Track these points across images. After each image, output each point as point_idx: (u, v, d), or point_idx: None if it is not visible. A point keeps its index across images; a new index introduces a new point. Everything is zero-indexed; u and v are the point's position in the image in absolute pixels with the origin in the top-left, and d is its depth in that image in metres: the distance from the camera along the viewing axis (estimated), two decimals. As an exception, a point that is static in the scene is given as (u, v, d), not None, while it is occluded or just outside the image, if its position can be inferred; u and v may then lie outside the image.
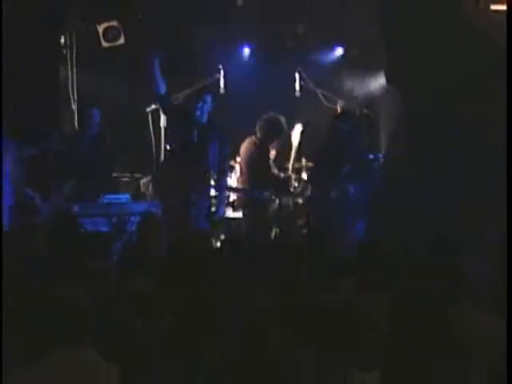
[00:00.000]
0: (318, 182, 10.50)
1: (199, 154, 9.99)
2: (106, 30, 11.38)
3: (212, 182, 10.22)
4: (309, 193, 10.86)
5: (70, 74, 11.61)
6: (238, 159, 11.33)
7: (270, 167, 11.00)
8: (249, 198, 10.83)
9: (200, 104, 10.03)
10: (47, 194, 10.12)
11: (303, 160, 11.45)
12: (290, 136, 11.10)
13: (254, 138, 10.91)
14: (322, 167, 10.39)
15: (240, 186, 11.09)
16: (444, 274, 5.45)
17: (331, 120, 10.46)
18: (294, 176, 11.20)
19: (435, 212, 9.42)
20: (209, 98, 10.15)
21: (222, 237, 10.16)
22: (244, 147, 11.02)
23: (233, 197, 11.08)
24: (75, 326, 4.52)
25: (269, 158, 10.99)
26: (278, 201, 10.77)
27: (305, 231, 10.44)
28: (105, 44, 11.46)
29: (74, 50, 11.55)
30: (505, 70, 8.58)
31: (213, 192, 10.33)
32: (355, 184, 10.23)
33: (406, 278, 5.70)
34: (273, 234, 10.61)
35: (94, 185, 10.49)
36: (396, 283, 5.46)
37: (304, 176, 11.38)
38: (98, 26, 11.42)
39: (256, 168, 10.91)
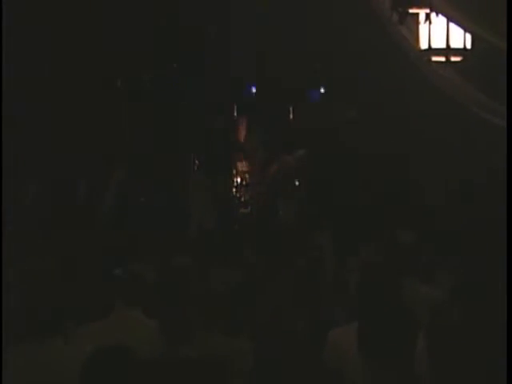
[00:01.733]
0: None
1: (220, 165, 10.07)
2: (150, 77, 11.48)
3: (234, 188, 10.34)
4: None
5: (122, 106, 11.67)
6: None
7: None
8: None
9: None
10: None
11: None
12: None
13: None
14: None
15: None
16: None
17: None
18: None
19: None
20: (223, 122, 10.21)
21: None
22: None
23: (243, 198, 11.09)
24: (129, 293, 4.56)
25: None
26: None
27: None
28: (149, 87, 11.57)
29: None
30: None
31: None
32: None
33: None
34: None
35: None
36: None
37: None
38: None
39: None
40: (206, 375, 3.44)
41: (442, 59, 7.27)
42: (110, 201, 10.11)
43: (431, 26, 7.08)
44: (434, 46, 7.14)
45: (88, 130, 10.51)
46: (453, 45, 7.09)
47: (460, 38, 7.06)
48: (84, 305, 4.96)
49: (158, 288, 5.08)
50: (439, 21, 7.01)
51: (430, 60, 7.32)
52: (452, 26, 6.89)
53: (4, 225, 6.82)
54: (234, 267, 5.81)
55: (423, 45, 7.23)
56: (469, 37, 7.00)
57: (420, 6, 7.01)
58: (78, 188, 10.60)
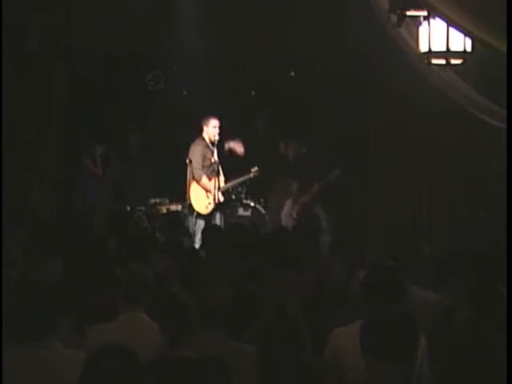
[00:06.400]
0: None
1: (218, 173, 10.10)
2: (151, 78, 11.46)
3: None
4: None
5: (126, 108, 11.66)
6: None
7: None
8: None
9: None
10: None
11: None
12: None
13: None
14: None
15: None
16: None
17: None
18: None
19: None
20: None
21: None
22: None
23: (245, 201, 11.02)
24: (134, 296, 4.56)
25: None
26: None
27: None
28: (150, 88, 11.54)
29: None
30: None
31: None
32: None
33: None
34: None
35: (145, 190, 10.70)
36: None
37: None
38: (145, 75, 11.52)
39: None
40: (206, 375, 3.43)
41: (442, 62, 7.27)
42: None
43: (431, 28, 7.08)
44: (434, 48, 7.14)
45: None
46: (453, 48, 7.08)
47: (460, 41, 7.05)
48: (86, 306, 4.95)
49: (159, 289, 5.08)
50: (439, 24, 7.01)
51: (430, 63, 7.32)
52: (452, 28, 6.89)
53: (4, 225, 6.81)
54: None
55: (423, 47, 7.23)
56: (469, 39, 6.99)
57: (419, 9, 7.02)
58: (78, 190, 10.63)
